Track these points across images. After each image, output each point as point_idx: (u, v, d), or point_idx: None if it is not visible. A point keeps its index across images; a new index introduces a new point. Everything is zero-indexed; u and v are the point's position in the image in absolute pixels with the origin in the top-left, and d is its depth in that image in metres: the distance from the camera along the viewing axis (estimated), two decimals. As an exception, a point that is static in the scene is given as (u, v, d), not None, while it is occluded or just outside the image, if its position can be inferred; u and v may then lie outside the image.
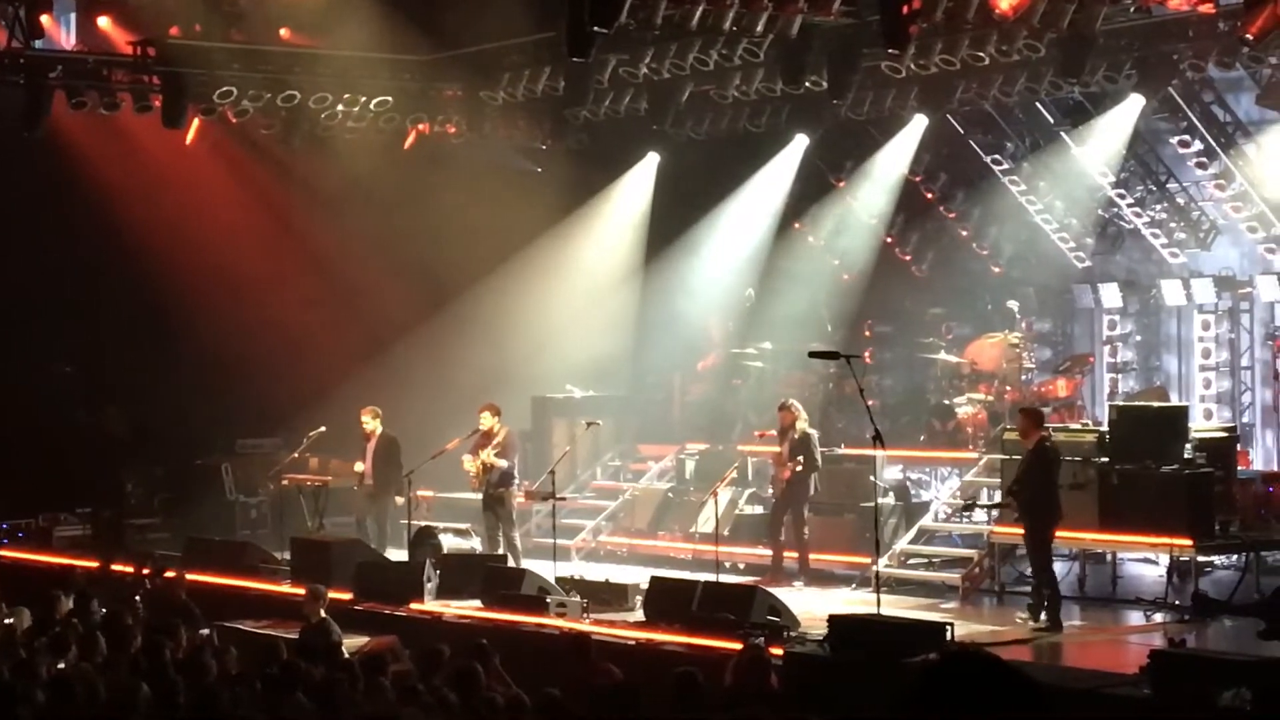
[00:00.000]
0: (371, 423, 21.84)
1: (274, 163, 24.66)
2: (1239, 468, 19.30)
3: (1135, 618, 17.40)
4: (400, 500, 21.11)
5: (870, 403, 17.53)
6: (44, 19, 20.81)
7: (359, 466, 21.74)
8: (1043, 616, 16.60)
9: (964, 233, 25.42)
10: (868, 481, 19.69)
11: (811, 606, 17.14)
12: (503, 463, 20.39)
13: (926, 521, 20.30)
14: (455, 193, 24.58)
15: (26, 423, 24.05)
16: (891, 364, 25.42)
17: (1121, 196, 23.84)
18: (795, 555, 19.89)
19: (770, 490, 20.76)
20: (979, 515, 19.71)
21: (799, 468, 19.67)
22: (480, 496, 20.67)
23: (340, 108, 22.84)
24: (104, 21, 22.68)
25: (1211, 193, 23.07)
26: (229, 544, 21.56)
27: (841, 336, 24.09)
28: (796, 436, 19.79)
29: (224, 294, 24.41)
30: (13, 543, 23.36)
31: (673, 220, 25.63)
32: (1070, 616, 17.69)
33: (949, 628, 14.69)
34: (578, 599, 17.42)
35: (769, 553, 20.20)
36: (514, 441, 20.83)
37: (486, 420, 20.52)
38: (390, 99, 23.10)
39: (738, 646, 14.21)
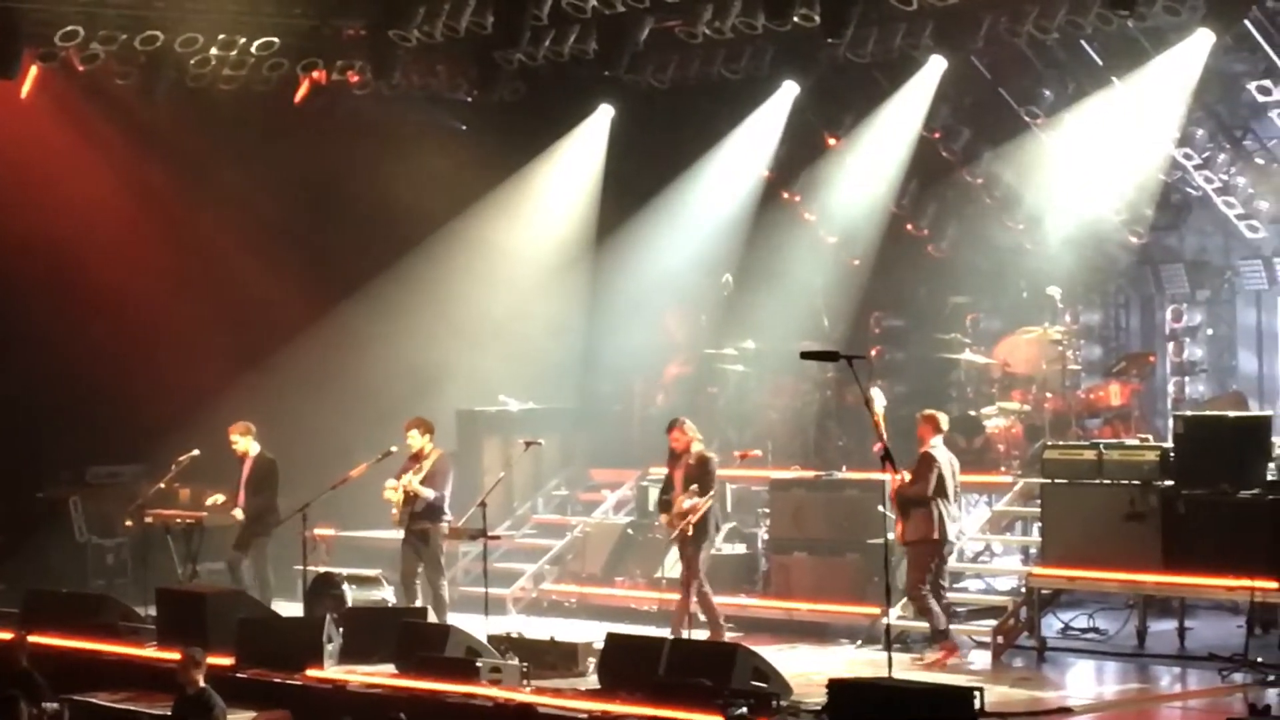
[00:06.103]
0: (243, 441, 21.72)
1: (132, 122, 24.56)
2: (1335, 492, 19.40)
3: (1209, 678, 17.47)
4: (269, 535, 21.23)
5: (878, 414, 17.56)
6: None
7: (218, 499, 21.64)
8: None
9: (992, 202, 25.48)
10: (874, 512, 19.62)
11: (807, 668, 17.23)
12: (429, 492, 20.32)
13: (950, 562, 20.28)
14: (359, 158, 24.53)
15: None
16: (904, 366, 25.46)
17: (1188, 157, 23.92)
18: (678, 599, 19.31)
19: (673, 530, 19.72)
20: (1011, 554, 19.74)
21: (695, 498, 19.22)
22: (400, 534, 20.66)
23: (214, 52, 22.78)
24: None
25: (1299, 151, 23.22)
26: (80, 597, 21.48)
27: (842, 333, 24.16)
28: (692, 461, 19.50)
29: (69, 287, 24.31)
30: None
31: (631, 190, 25.67)
32: (1128, 679, 17.76)
33: (978, 694, 14.69)
34: (516, 662, 17.41)
35: (752, 602, 20.17)
36: (446, 467, 20.71)
37: (415, 439, 20.43)
38: (276, 40, 23.07)
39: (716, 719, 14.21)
